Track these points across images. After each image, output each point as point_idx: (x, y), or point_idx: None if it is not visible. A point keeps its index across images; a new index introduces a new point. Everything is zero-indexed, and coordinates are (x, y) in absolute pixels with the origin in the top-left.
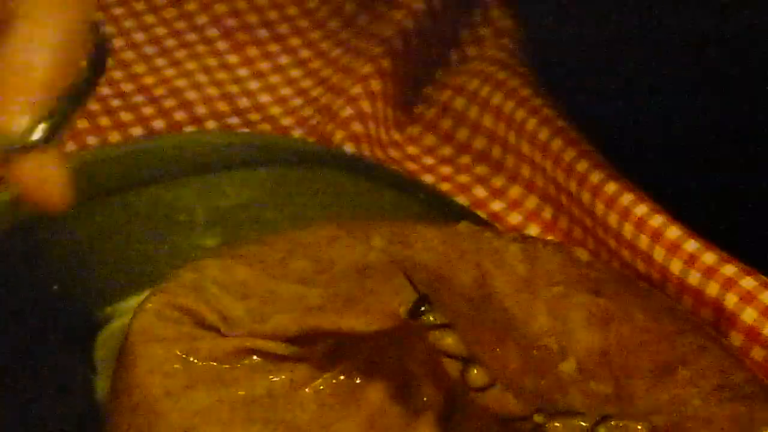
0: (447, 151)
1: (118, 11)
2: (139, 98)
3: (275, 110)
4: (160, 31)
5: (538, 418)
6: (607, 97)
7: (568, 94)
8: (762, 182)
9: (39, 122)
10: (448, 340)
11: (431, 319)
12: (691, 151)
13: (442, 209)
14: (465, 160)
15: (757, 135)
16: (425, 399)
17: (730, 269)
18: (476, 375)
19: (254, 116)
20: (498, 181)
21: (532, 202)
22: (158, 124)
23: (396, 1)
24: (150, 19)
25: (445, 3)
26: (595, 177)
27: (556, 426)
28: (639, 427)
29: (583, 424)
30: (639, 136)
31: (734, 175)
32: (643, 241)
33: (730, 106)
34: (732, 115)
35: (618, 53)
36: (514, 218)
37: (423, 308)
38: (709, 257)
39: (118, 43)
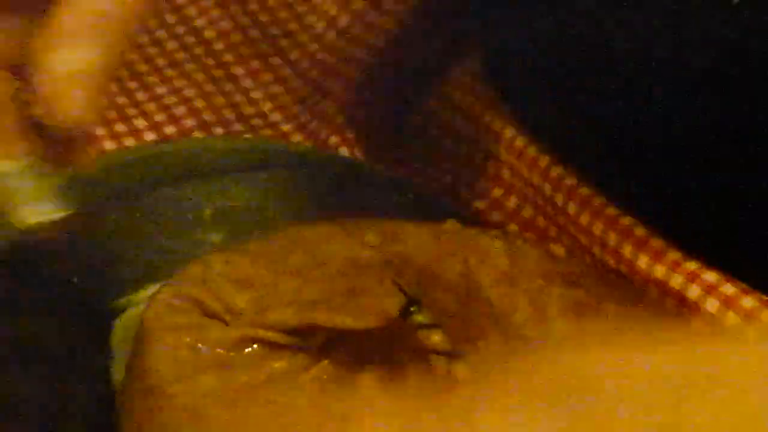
0: (434, 155)
1: None
2: (152, 106)
3: (276, 117)
4: (171, 45)
5: None
6: (607, 97)
7: (569, 94)
8: (762, 182)
9: None
10: (435, 338)
11: (420, 319)
12: (691, 151)
13: (430, 208)
14: (450, 164)
15: (757, 135)
16: (414, 385)
17: (692, 265)
18: (461, 370)
19: (257, 122)
20: (481, 184)
21: (512, 202)
22: (169, 130)
23: (386, 10)
24: (161, 34)
25: (435, 17)
26: (569, 181)
27: None
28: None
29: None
30: (639, 136)
31: (734, 175)
32: (613, 239)
33: (730, 106)
34: (732, 115)
35: (619, 53)
36: (496, 217)
37: (412, 309)
38: (673, 254)
39: (132, 56)
